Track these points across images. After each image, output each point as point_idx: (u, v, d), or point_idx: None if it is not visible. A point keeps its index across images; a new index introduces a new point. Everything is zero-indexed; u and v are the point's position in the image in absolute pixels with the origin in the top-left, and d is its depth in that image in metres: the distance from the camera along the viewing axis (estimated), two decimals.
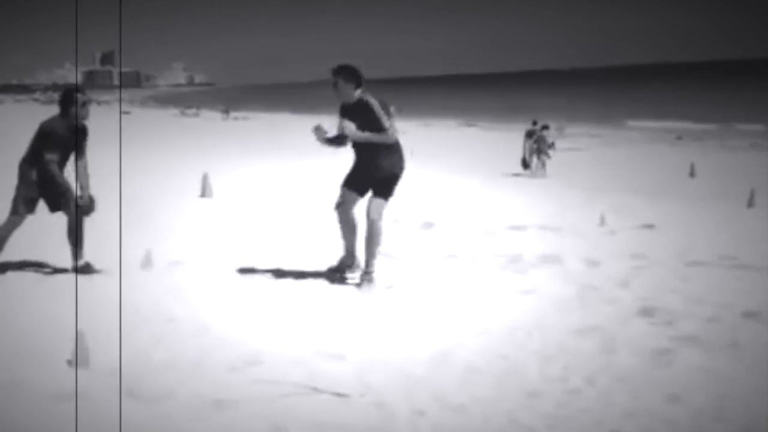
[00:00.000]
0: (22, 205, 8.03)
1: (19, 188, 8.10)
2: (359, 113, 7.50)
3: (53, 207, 8.12)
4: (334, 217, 8.04)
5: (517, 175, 20.44)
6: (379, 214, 7.66)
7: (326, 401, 4.98)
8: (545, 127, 22.07)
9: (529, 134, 21.86)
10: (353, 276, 7.90)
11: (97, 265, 8.12)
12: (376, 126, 7.45)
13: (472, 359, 5.70)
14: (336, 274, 7.97)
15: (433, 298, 7.33)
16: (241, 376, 5.35)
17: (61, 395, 4.94)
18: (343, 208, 7.95)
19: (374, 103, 7.45)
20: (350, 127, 7.50)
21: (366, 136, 7.49)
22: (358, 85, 7.52)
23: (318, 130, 7.72)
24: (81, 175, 8.03)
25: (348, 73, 7.53)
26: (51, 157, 7.80)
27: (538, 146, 21.42)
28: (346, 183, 7.97)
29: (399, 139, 7.68)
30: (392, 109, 7.86)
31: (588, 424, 4.66)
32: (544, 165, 21.21)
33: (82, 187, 8.00)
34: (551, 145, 21.59)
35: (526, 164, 21.49)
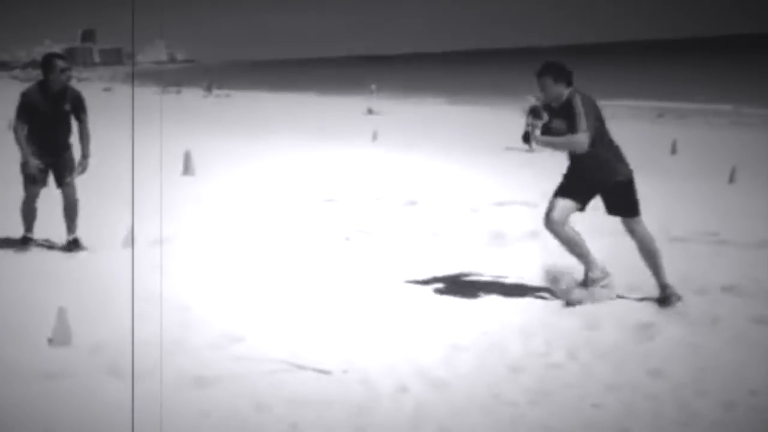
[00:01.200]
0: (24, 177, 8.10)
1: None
2: (566, 114, 6.49)
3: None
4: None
5: (506, 150, 20.42)
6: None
7: (309, 378, 4.98)
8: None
9: (532, 111, 21.83)
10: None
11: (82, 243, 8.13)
12: (573, 128, 6.38)
13: (454, 335, 5.71)
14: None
15: (415, 275, 7.33)
16: (223, 353, 5.34)
17: (42, 373, 4.92)
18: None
19: (578, 103, 6.40)
20: (537, 135, 6.76)
21: (549, 140, 6.66)
22: (569, 84, 6.57)
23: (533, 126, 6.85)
24: (81, 139, 8.03)
25: (558, 72, 6.59)
26: (16, 124, 7.85)
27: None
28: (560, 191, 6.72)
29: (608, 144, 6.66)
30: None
31: (570, 399, 4.69)
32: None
33: (82, 153, 8.00)
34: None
35: (527, 139, 21.50)
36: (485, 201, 11.20)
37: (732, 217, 10.01)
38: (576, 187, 6.61)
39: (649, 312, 6.21)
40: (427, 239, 8.80)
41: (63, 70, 7.84)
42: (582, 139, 6.26)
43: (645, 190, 12.43)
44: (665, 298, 6.41)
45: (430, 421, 4.42)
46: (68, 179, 8.03)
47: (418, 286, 6.94)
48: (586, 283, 6.61)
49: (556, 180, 6.89)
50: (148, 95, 40.22)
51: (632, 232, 6.71)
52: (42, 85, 7.92)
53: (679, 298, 6.40)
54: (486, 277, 7.24)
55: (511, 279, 7.18)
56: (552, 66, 6.61)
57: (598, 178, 6.58)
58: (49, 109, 7.87)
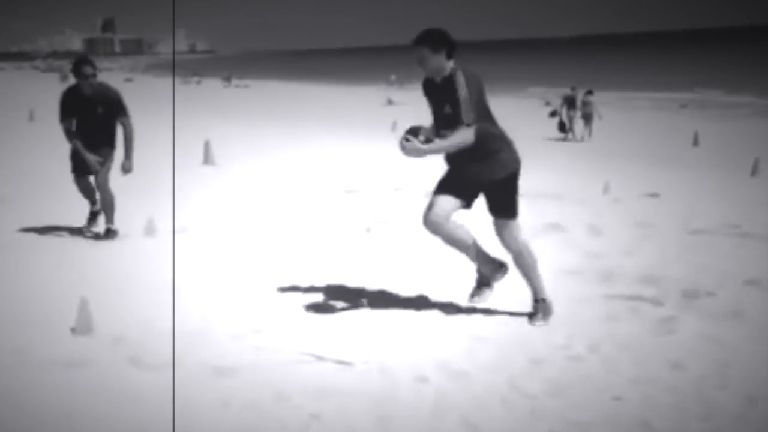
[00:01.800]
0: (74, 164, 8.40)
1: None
2: (447, 93, 5.44)
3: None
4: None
5: (524, 140, 20.33)
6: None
7: (329, 368, 4.99)
8: (588, 92, 22.04)
9: (567, 100, 21.87)
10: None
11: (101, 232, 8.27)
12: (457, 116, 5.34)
13: (475, 327, 5.70)
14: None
15: (436, 266, 7.31)
16: (244, 344, 5.35)
17: (64, 363, 4.95)
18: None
19: (461, 81, 5.37)
20: (412, 146, 5.40)
21: (434, 147, 5.43)
22: (449, 55, 5.50)
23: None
24: (124, 139, 8.26)
25: (437, 41, 5.48)
26: (64, 125, 8.20)
27: (583, 111, 21.43)
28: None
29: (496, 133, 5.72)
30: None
31: (591, 391, 4.67)
32: (588, 130, 21.26)
33: (125, 153, 8.26)
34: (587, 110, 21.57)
35: (563, 129, 21.56)
36: None
37: (754, 210, 9.94)
38: (457, 183, 5.70)
39: (670, 305, 6.17)
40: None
41: (87, 77, 8.02)
42: (467, 135, 5.31)
43: (667, 181, 12.42)
44: (535, 313, 5.85)
45: (450, 413, 4.42)
46: (100, 176, 8.20)
47: (439, 277, 6.93)
48: (482, 281, 6.06)
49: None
50: (168, 86, 40.43)
51: (502, 236, 5.91)
52: (77, 87, 8.21)
53: (549, 314, 5.83)
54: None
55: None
56: (429, 34, 5.49)
57: (483, 173, 5.66)
58: (83, 111, 8.16)
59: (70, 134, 8.20)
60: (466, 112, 5.30)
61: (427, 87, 5.65)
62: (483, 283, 6.07)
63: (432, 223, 5.73)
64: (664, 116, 29.81)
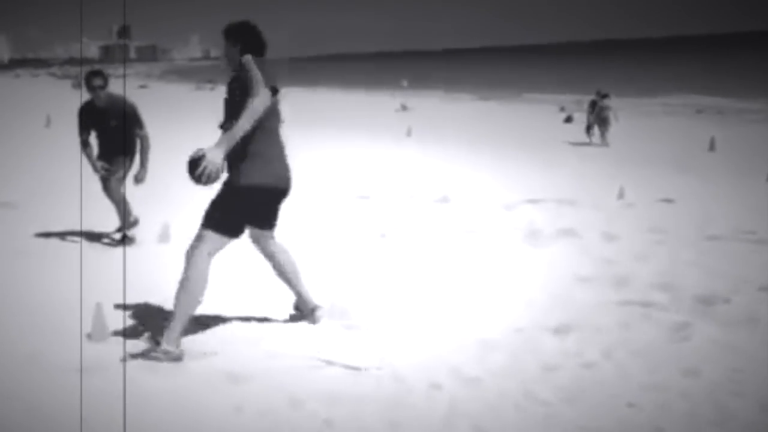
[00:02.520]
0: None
1: None
2: (242, 85, 5.12)
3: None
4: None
5: (539, 147, 20.32)
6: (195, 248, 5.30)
7: (342, 374, 4.99)
8: (605, 96, 22.09)
9: (593, 104, 21.99)
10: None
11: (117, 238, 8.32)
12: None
13: (488, 333, 5.69)
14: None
15: (449, 272, 7.31)
16: (258, 349, 5.36)
17: (78, 368, 4.97)
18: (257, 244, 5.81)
19: (252, 66, 5.03)
20: (208, 160, 5.03)
21: (232, 133, 5.02)
22: (244, 49, 5.24)
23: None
24: (140, 150, 8.34)
25: (234, 33, 5.33)
26: (81, 138, 8.32)
27: (600, 115, 21.51)
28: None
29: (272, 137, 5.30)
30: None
31: (604, 398, 4.65)
32: (603, 134, 21.30)
33: (140, 163, 8.36)
34: (604, 114, 21.61)
35: (589, 131, 21.74)
36: (519, 198, 11.16)
37: None
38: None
39: (684, 311, 6.14)
40: (461, 236, 8.78)
41: (95, 88, 8.13)
42: (257, 103, 4.90)
43: (682, 187, 12.38)
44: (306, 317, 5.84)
45: (462, 419, 4.41)
46: (111, 183, 8.29)
47: (452, 284, 6.92)
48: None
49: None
50: (182, 92, 40.56)
51: (262, 245, 5.73)
52: (92, 101, 8.33)
53: (316, 320, 5.81)
54: (520, 275, 7.21)
55: (545, 277, 7.14)
56: (231, 27, 5.34)
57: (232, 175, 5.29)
58: (98, 123, 8.29)
59: (83, 144, 8.31)
60: (256, 86, 4.92)
61: (230, 85, 5.26)
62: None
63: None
64: (679, 121, 29.67)
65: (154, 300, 6.33)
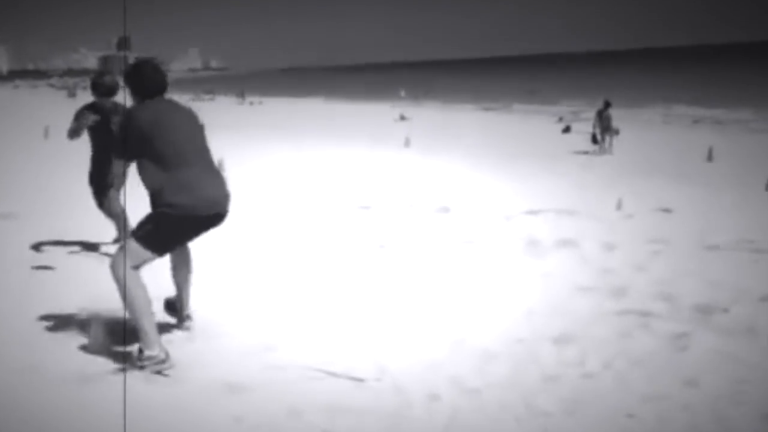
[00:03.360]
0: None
1: None
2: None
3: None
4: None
5: (539, 157, 20.35)
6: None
7: (342, 385, 4.98)
8: (608, 105, 22.29)
9: (599, 113, 22.15)
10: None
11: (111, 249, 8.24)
12: None
13: (488, 343, 5.68)
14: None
15: (448, 283, 7.31)
16: (256, 360, 5.35)
17: (77, 379, 4.96)
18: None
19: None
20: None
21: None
22: (133, 93, 5.46)
23: None
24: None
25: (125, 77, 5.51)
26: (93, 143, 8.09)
27: (603, 124, 21.69)
28: None
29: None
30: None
31: (605, 409, 4.64)
32: (609, 142, 21.49)
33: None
34: (607, 125, 21.81)
35: (596, 141, 21.84)
36: (518, 208, 11.16)
37: None
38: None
39: (684, 321, 6.14)
40: (461, 247, 8.77)
41: (103, 90, 8.05)
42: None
43: (681, 196, 12.39)
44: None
45: (462, 430, 4.40)
46: (111, 195, 8.20)
47: (452, 294, 6.92)
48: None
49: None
50: (183, 103, 40.63)
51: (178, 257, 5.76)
52: (95, 104, 8.14)
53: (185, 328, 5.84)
54: (520, 285, 7.20)
55: (545, 287, 7.14)
56: (125, 72, 5.51)
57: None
58: (100, 125, 8.04)
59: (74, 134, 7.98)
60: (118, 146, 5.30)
61: None
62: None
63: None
64: (677, 131, 29.73)
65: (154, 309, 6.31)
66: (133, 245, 5.20)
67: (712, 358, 5.39)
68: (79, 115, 8.08)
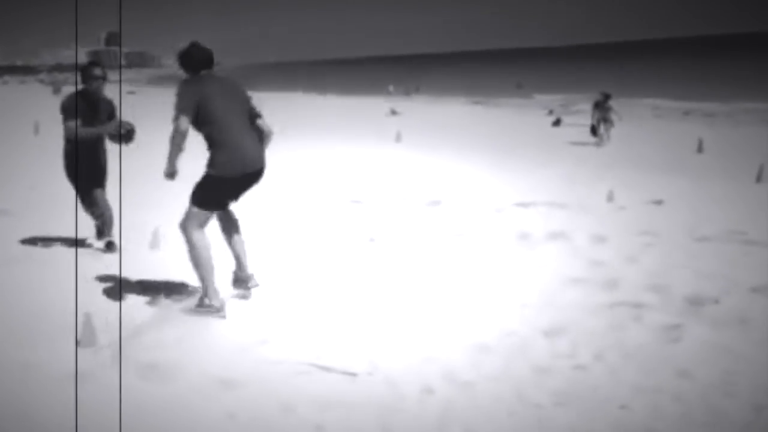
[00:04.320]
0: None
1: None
2: None
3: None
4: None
5: (529, 150, 20.36)
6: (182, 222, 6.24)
7: (334, 380, 4.98)
8: (607, 97, 22.35)
9: (597, 105, 22.19)
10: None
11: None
12: None
13: (479, 337, 5.69)
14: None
15: (439, 276, 7.31)
16: (248, 355, 5.35)
17: (70, 375, 4.95)
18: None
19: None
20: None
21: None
22: (189, 69, 6.15)
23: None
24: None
25: (180, 59, 6.22)
26: (68, 131, 7.84)
27: (603, 115, 21.75)
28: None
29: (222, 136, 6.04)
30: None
31: (597, 401, 4.66)
32: (607, 134, 21.57)
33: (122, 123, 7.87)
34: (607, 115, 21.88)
35: (595, 132, 21.89)
36: (509, 201, 11.17)
37: (760, 216, 9.92)
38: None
39: (675, 313, 6.16)
40: (452, 240, 8.78)
41: (96, 78, 7.94)
42: (173, 129, 5.94)
43: (671, 188, 12.41)
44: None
45: (455, 423, 4.41)
46: (98, 193, 8.13)
47: (443, 287, 6.92)
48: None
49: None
50: (172, 97, 40.50)
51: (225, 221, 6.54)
52: (84, 91, 7.99)
53: (251, 285, 6.60)
54: (511, 278, 7.22)
55: (536, 280, 7.15)
56: (178, 53, 6.22)
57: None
58: (91, 113, 7.94)
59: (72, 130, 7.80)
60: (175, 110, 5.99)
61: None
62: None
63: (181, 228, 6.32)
64: (667, 123, 29.76)
65: (144, 306, 6.31)
66: (191, 208, 6.16)
67: (703, 349, 5.41)
68: (67, 105, 7.84)
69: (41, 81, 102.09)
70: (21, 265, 7.70)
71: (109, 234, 8.27)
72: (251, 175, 6.16)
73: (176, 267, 7.22)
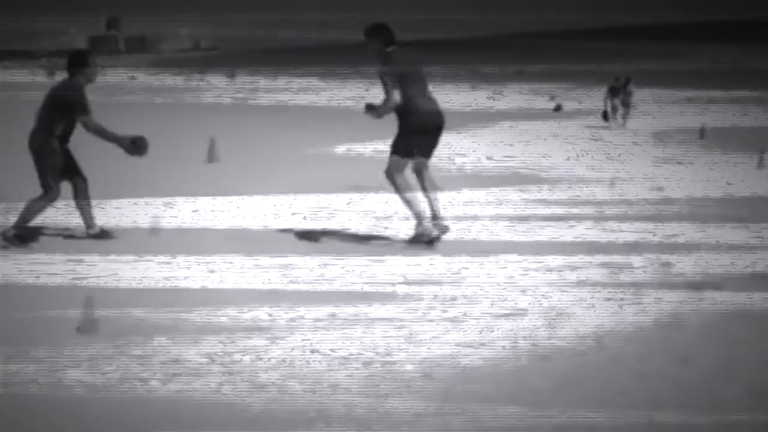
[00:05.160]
0: (53, 181, 7.77)
1: (42, 163, 7.82)
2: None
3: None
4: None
5: (520, 132, 20.24)
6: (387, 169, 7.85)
7: (333, 366, 4.97)
8: (628, 80, 22.21)
9: (612, 89, 22.04)
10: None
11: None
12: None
13: (481, 322, 5.69)
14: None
15: (438, 261, 7.30)
16: (247, 342, 5.34)
17: (69, 363, 4.95)
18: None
19: (383, 66, 7.82)
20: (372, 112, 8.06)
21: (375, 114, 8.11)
22: (386, 42, 7.88)
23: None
24: (98, 130, 7.70)
25: (372, 30, 7.98)
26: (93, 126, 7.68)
27: (622, 99, 21.60)
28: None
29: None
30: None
31: (597, 386, 4.65)
32: (625, 119, 21.45)
33: (116, 138, 7.72)
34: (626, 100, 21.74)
35: (606, 117, 21.78)
36: (511, 183, 11.14)
37: (761, 203, 9.91)
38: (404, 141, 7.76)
39: (676, 299, 6.15)
40: (452, 223, 8.74)
41: (88, 66, 7.83)
42: (388, 104, 7.71)
43: (672, 175, 12.38)
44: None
45: (455, 409, 4.40)
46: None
47: (443, 272, 6.91)
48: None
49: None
50: (171, 83, 40.29)
51: (420, 172, 7.80)
52: (69, 82, 7.88)
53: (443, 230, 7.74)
54: (510, 262, 7.20)
55: (536, 263, 7.14)
56: (370, 26, 7.98)
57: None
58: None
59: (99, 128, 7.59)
60: (387, 88, 7.70)
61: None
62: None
63: (387, 174, 7.91)
64: (669, 109, 29.66)
65: (143, 292, 6.31)
66: (391, 157, 7.77)
67: (704, 335, 5.40)
68: (79, 98, 7.69)
69: (41, 66, 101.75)
70: (18, 250, 7.64)
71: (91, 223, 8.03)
72: (438, 127, 7.79)
73: (169, 253, 7.18)
